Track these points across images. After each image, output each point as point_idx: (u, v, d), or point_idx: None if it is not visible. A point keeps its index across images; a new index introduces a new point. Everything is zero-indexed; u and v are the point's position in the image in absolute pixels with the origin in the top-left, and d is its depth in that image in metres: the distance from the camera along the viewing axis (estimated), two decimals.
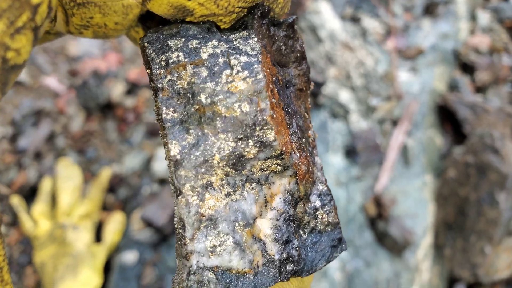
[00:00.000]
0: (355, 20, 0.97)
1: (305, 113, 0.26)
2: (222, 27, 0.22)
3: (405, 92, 0.87)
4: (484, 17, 1.03)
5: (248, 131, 0.20)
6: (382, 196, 0.75)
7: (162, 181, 0.77)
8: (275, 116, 0.21)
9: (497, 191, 0.71)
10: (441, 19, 1.01)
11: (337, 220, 0.23)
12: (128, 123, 0.87)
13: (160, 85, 0.20)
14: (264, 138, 0.20)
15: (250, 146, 0.21)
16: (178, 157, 0.20)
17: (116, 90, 0.89)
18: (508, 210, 0.70)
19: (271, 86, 0.21)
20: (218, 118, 0.20)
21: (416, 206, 0.76)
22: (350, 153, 0.78)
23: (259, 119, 0.20)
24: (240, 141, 0.20)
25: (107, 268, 0.74)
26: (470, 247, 0.72)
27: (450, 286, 0.76)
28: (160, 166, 0.78)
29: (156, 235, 0.72)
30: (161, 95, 0.20)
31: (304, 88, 0.25)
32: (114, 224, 0.74)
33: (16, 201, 0.77)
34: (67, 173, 0.78)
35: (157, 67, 0.21)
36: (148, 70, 0.21)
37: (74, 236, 0.72)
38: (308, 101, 0.26)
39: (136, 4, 0.22)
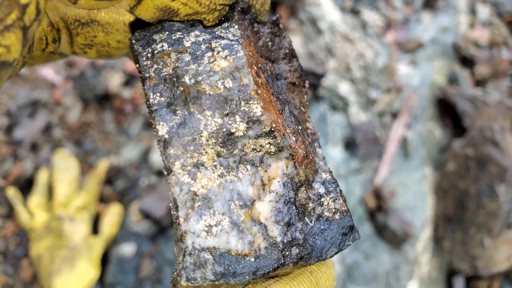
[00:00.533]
0: (355, 12, 0.96)
1: (301, 107, 0.26)
2: (207, 25, 0.23)
3: (405, 85, 0.87)
4: (484, 11, 1.03)
5: (233, 106, 0.21)
6: (381, 188, 0.74)
7: (160, 173, 0.77)
8: (260, 91, 0.21)
9: (497, 183, 0.71)
10: (441, 12, 1.00)
11: (345, 208, 0.23)
12: (125, 114, 0.86)
13: (147, 75, 0.21)
14: (251, 113, 0.21)
15: (238, 122, 0.21)
16: (166, 136, 0.20)
17: (114, 81, 0.88)
18: (508, 203, 0.70)
19: (255, 68, 0.22)
20: (203, 97, 0.21)
21: (415, 198, 0.76)
22: (350, 145, 0.77)
23: (243, 93, 0.21)
24: (227, 117, 0.21)
25: (105, 260, 0.73)
26: (470, 240, 0.72)
27: (449, 279, 0.76)
28: (158, 157, 0.77)
29: (154, 227, 0.71)
30: (148, 83, 0.21)
31: (297, 83, 0.26)
32: (112, 216, 0.74)
33: (12, 192, 0.76)
34: (64, 165, 0.77)
35: (144, 59, 0.22)
36: (137, 65, 0.22)
37: (71, 228, 0.71)
38: (304, 97, 0.26)
39: None
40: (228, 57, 0.21)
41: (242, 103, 0.21)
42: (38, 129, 0.85)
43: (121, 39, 0.24)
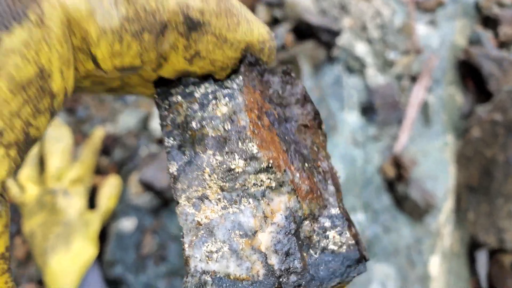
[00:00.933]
0: None
1: (314, 147, 0.27)
2: (219, 78, 0.26)
3: (424, 46, 0.80)
4: None
5: (232, 146, 0.23)
6: (401, 156, 0.69)
7: (161, 141, 0.71)
8: (257, 132, 0.23)
9: None
10: None
11: (353, 241, 0.24)
12: None
13: (164, 123, 0.25)
14: (248, 151, 0.23)
15: (237, 159, 0.23)
16: (175, 173, 0.24)
17: None
18: None
19: (256, 112, 0.24)
20: (206, 139, 0.24)
21: (436, 167, 0.70)
22: (367, 110, 0.71)
23: (240, 134, 0.23)
24: (226, 155, 0.23)
25: (103, 237, 0.69)
26: (497, 211, 0.67)
27: (471, 252, 0.72)
28: (159, 125, 0.71)
29: (156, 199, 0.67)
30: (165, 129, 0.25)
31: (310, 125, 0.28)
32: (109, 188, 0.69)
33: None
34: (56, 134, 0.72)
35: (163, 109, 0.25)
36: (159, 115, 0.26)
37: (65, 202, 0.66)
38: (319, 138, 0.28)
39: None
40: (228, 104, 0.24)
41: (240, 143, 0.23)
42: None
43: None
